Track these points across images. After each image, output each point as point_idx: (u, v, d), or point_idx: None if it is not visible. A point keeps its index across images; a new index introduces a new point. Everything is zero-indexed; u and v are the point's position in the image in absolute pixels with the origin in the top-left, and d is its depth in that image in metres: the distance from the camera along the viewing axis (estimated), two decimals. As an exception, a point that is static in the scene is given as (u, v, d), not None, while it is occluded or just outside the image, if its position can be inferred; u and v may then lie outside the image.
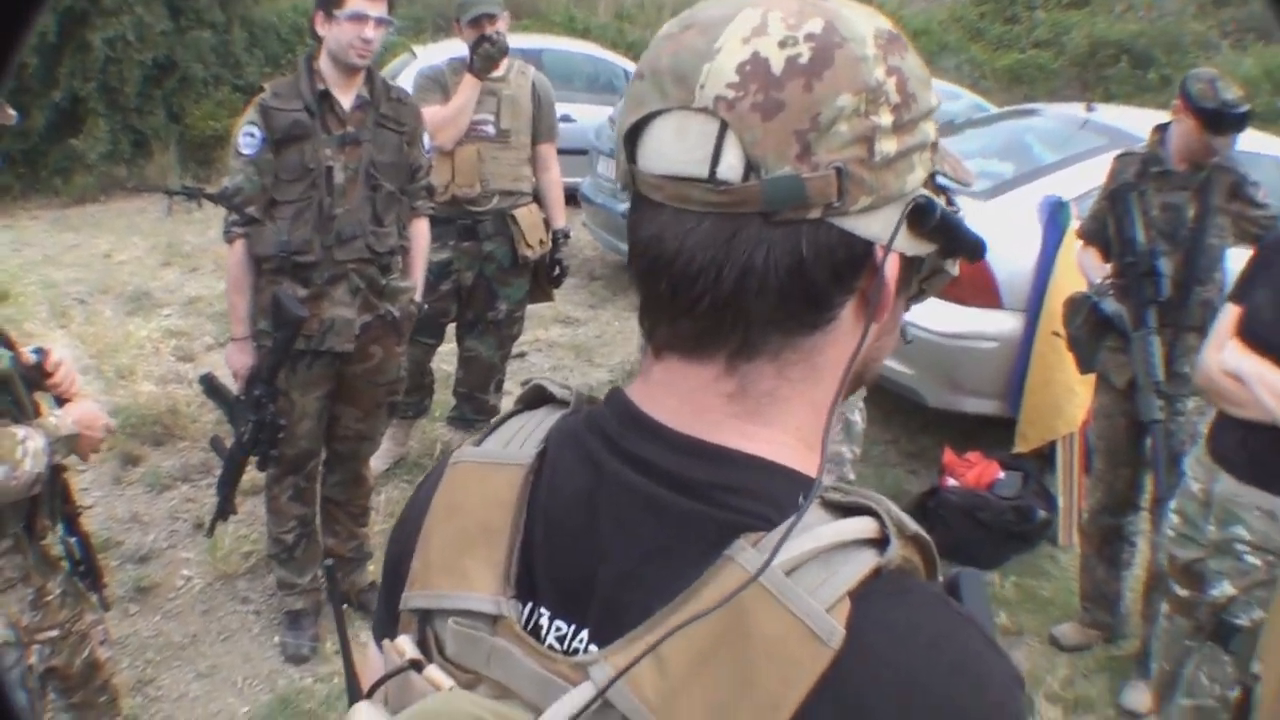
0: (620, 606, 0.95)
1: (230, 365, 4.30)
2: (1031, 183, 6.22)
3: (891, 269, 0.97)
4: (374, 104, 4.20)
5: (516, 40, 13.38)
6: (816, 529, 0.90)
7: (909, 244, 0.97)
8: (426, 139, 4.50)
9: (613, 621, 0.94)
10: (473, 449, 1.13)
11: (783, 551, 0.87)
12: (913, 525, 0.93)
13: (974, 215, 5.83)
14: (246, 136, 4.05)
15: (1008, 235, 5.79)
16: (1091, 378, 4.84)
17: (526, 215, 5.62)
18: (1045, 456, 5.77)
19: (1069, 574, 5.28)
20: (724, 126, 0.90)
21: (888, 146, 0.93)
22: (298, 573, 4.65)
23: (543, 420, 1.12)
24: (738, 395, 0.98)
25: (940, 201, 0.98)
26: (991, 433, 6.00)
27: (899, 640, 0.89)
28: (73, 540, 3.31)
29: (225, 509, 4.23)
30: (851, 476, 4.27)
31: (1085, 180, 5.80)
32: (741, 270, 0.93)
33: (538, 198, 5.77)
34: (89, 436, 3.09)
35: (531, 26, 17.77)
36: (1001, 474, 5.60)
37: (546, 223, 5.79)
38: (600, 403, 1.09)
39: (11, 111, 2.91)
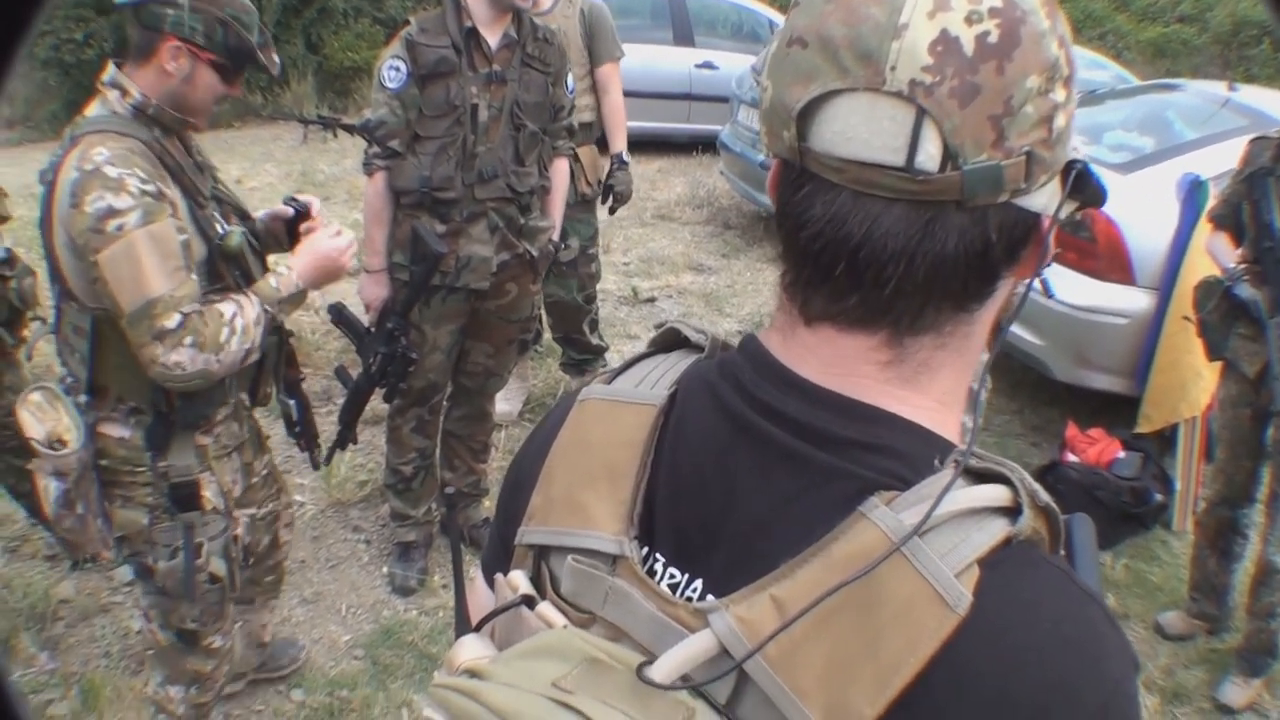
0: (746, 556, 0.95)
1: (363, 296, 4.30)
2: (1171, 159, 6.07)
3: (1049, 233, 0.98)
4: (520, 43, 4.19)
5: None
6: (952, 493, 0.89)
7: (1064, 207, 0.98)
8: (571, 79, 4.48)
9: (736, 571, 0.94)
10: (602, 387, 1.13)
11: (916, 512, 0.88)
12: (1044, 496, 0.92)
13: (1113, 189, 5.75)
14: (391, 70, 4.04)
15: (1145, 211, 5.71)
16: (1218, 364, 4.77)
17: (586, 154, 5.51)
18: (1167, 439, 5.67)
19: (1180, 561, 5.21)
20: (921, 113, 0.88)
21: (1061, 121, 0.93)
22: (413, 504, 4.69)
23: (676, 364, 1.12)
24: (893, 363, 0.98)
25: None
26: (1115, 411, 5.91)
27: (1022, 612, 0.89)
28: (291, 402, 3.43)
29: (346, 437, 4.23)
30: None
31: (1224, 160, 5.67)
32: (936, 258, 0.92)
33: (602, 141, 5.70)
34: (329, 268, 3.12)
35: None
36: (1122, 453, 5.50)
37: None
38: (735, 350, 1.08)
39: (275, 58, 3.02)
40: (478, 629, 1.06)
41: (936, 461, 0.92)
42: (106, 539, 2.97)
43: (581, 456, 1.07)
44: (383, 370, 4.15)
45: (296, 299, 3.06)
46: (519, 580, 1.05)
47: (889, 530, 0.87)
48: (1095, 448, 5.52)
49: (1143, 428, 5.68)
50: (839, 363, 0.98)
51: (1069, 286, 5.66)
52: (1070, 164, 0.97)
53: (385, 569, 4.73)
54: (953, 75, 0.87)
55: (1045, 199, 0.96)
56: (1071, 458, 5.53)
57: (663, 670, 0.89)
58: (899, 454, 0.94)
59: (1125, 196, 5.73)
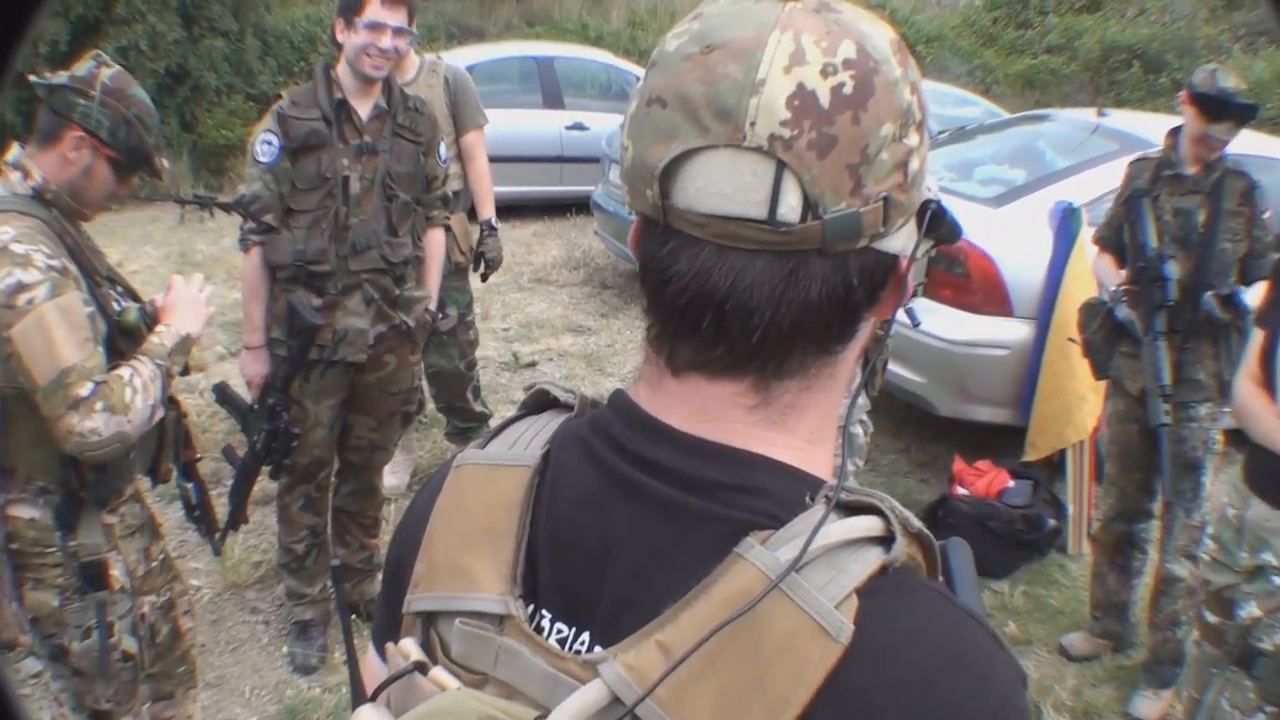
0: (629, 606, 0.95)
1: (244, 374, 4.28)
2: (1043, 189, 6.21)
3: (908, 272, 1.01)
4: (391, 113, 4.19)
5: (529, 48, 13.49)
6: (825, 527, 0.90)
7: (920, 246, 1.01)
8: (443, 148, 4.49)
9: (620, 621, 0.95)
10: (476, 452, 1.13)
11: (791, 548, 0.89)
12: (916, 523, 0.94)
13: (985, 222, 5.83)
14: (264, 145, 4.05)
15: (1018, 242, 5.82)
16: (1102, 385, 4.83)
17: (457, 223, 5.49)
18: (1055, 465, 5.76)
19: (1078, 583, 5.28)
20: (781, 166, 0.89)
21: (915, 165, 0.96)
22: (308, 582, 4.64)
23: (546, 424, 1.12)
24: (760, 406, 0.99)
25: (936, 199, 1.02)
26: (1002, 441, 5.99)
27: (905, 638, 0.90)
28: (189, 486, 3.42)
29: (237, 518, 4.19)
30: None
31: (1097, 186, 5.79)
32: (801, 305, 0.94)
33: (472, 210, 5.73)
34: (195, 311, 3.16)
35: (544, 34, 17.78)
36: (1011, 482, 5.59)
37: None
38: (604, 406, 1.09)
39: (165, 163, 3.09)
40: (373, 698, 1.06)
41: (808, 498, 0.94)
42: (23, 623, 2.96)
43: (461, 521, 1.07)
44: (268, 447, 4.12)
45: (183, 346, 3.09)
46: (409, 647, 1.05)
47: (766, 568, 0.89)
48: (984, 479, 5.58)
49: (1030, 456, 5.75)
50: (707, 409, 1.00)
51: (946, 322, 5.75)
52: (925, 204, 1.00)
53: (285, 648, 4.67)
54: (810, 128, 0.89)
55: (902, 240, 0.99)
56: (961, 491, 5.59)
57: None
58: (770, 494, 0.95)
59: (998, 229, 5.83)
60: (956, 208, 5.87)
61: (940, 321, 5.72)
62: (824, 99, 0.89)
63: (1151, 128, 6.12)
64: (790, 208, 0.90)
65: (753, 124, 0.89)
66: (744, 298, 0.93)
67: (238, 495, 4.17)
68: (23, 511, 2.92)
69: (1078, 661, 4.81)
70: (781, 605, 0.87)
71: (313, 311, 3.98)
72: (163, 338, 3.04)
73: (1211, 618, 3.51)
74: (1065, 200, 5.86)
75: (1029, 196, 6.17)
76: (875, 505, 0.93)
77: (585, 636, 0.99)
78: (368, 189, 4.13)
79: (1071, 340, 4.87)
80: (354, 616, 4.48)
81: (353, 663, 1.23)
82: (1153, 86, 17.71)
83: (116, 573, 3.05)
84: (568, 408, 1.14)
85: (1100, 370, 4.63)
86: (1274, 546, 3.24)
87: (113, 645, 3.06)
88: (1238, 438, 3.49)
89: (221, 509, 4.19)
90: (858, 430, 4.19)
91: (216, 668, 4.56)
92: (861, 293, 0.97)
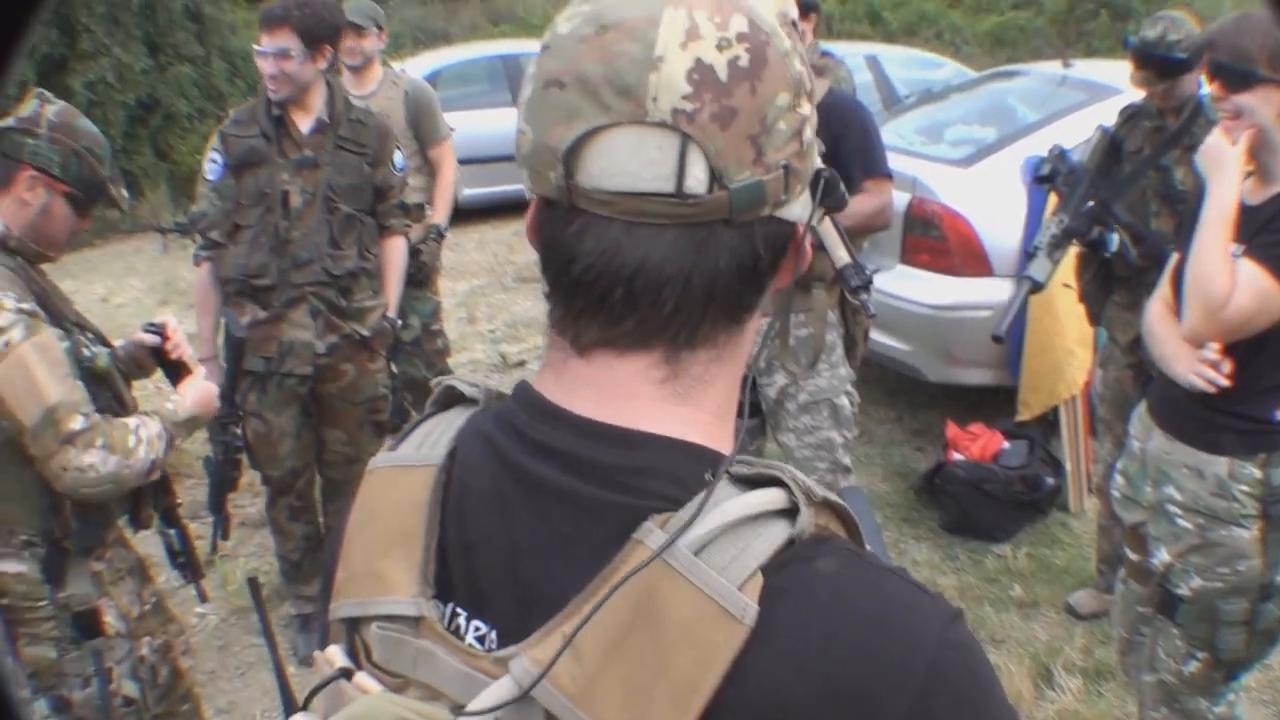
0: (535, 599, 0.96)
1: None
2: (1012, 144, 6.16)
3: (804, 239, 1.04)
4: (334, 126, 4.22)
5: (495, 47, 13.43)
6: (724, 504, 0.91)
7: (815, 214, 1.03)
8: (399, 157, 4.50)
9: (528, 615, 0.95)
10: (386, 455, 1.13)
11: (690, 530, 0.89)
12: (821, 491, 0.94)
13: (957, 183, 5.81)
14: (210, 163, 4.19)
15: (993, 200, 5.77)
16: (1089, 338, 4.81)
17: (418, 233, 5.52)
18: (1050, 423, 5.71)
19: (1082, 541, 5.24)
20: (685, 139, 0.91)
21: (809, 133, 0.99)
22: (304, 582, 4.71)
23: (454, 420, 1.12)
24: (670, 379, 1.00)
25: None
26: (996, 403, 5.95)
27: (819, 606, 0.90)
28: (172, 532, 3.42)
29: (220, 525, 4.22)
30: (846, 461, 4.24)
31: (1066, 137, 5.75)
32: (710, 275, 0.95)
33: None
34: (208, 402, 3.24)
35: (510, 32, 17.75)
36: (1006, 444, 5.53)
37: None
38: (509, 397, 1.09)
39: (124, 192, 3.13)
40: (305, 706, 1.06)
41: (708, 476, 0.94)
42: (20, 679, 2.94)
43: (373, 526, 1.08)
44: (224, 460, 4.16)
45: (190, 425, 3.15)
46: (335, 654, 1.06)
47: (659, 548, 0.89)
48: (978, 443, 5.53)
49: (1023, 415, 5.71)
50: (615, 387, 1.00)
51: (927, 287, 5.73)
52: (818, 172, 1.03)
53: (292, 668, 4.60)
54: (711, 101, 0.91)
55: (799, 208, 1.01)
56: (957, 456, 5.53)
57: None
58: (670, 475, 0.95)
59: (970, 189, 5.79)
60: (927, 171, 5.90)
61: (921, 287, 5.71)
62: (721, 72, 0.91)
63: (1118, 75, 6.06)
64: (697, 180, 0.92)
65: (654, 99, 0.91)
66: (654, 273, 0.94)
67: (214, 507, 4.21)
68: (8, 566, 2.90)
69: (1086, 620, 4.75)
70: (681, 589, 0.87)
71: (239, 325, 4.01)
72: (177, 406, 3.10)
73: (1133, 555, 3.47)
74: (1037, 155, 5.82)
75: (999, 154, 6.11)
76: (777, 477, 0.93)
77: (495, 634, 0.99)
78: (309, 202, 4.17)
79: (1067, 285, 4.84)
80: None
81: (279, 672, 1.28)
82: (1121, 34, 17.53)
83: (110, 619, 3.05)
84: (474, 402, 1.14)
85: (1096, 318, 4.65)
86: (1175, 480, 3.13)
87: (113, 692, 3.05)
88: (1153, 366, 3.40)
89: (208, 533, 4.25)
90: (844, 402, 4.18)
91: (227, 693, 4.56)
92: (767, 261, 0.99)
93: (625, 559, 0.90)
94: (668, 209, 0.92)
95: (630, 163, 0.92)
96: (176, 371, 3.30)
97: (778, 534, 0.91)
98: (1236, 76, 2.91)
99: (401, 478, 1.08)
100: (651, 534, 0.90)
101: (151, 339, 3.28)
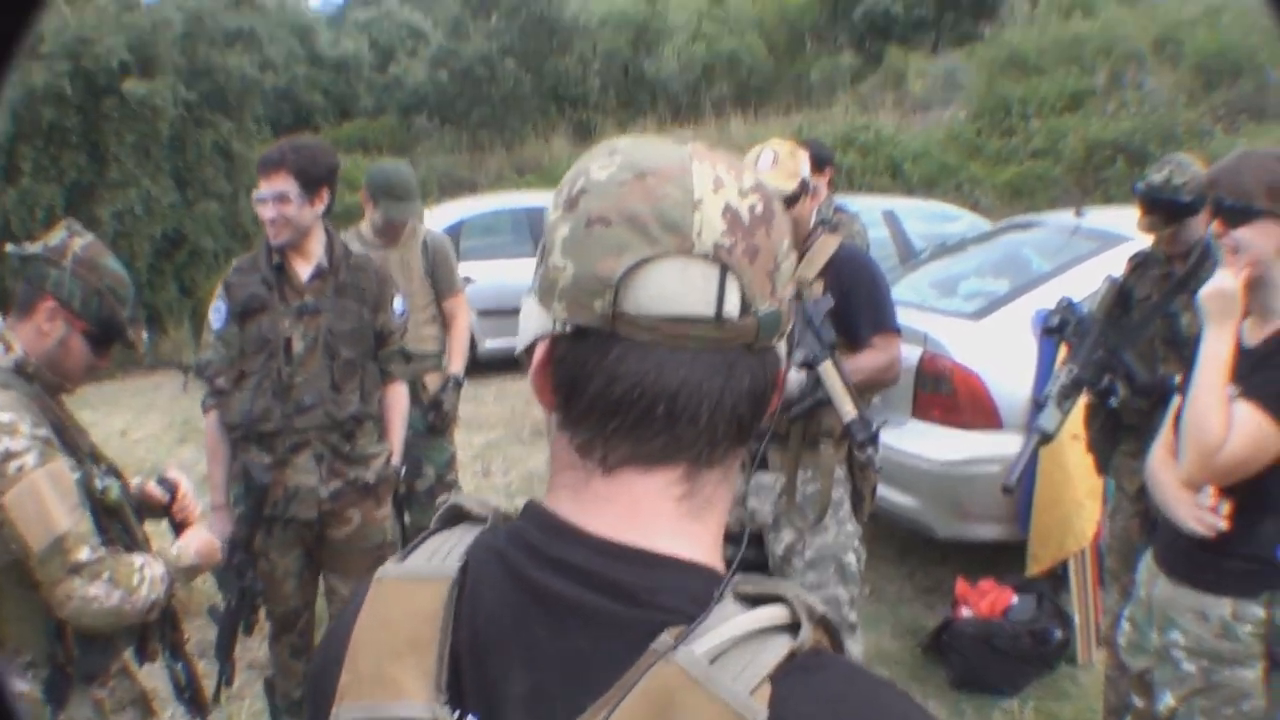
0: (549, 709, 1.00)
1: (212, 533, 4.28)
2: (1023, 296, 6.17)
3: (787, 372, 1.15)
4: (333, 272, 4.26)
5: (519, 199, 13.54)
6: (733, 619, 0.98)
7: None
8: (399, 302, 4.54)
9: None
10: (396, 566, 1.16)
11: (704, 642, 0.96)
12: (820, 608, 1.02)
13: (967, 336, 5.82)
14: (215, 312, 4.25)
15: (1003, 353, 5.77)
16: (1098, 489, 4.77)
17: (434, 381, 5.62)
18: (1059, 576, 5.64)
19: (1090, 694, 5.13)
20: (725, 270, 1.02)
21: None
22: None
23: (462, 537, 1.16)
24: (687, 497, 1.08)
25: None
26: (1009, 557, 5.88)
27: (823, 710, 0.96)
28: (179, 667, 3.41)
29: (224, 672, 4.21)
30: (853, 618, 4.18)
31: (1077, 287, 5.76)
32: (737, 394, 1.05)
33: None
34: (211, 554, 3.28)
35: (534, 183, 17.96)
36: (1015, 598, 5.47)
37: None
38: (519, 517, 1.14)
39: (144, 335, 3.18)
40: None
41: (717, 594, 1.00)
42: None
43: (384, 632, 1.11)
44: (240, 604, 4.17)
45: (191, 572, 3.19)
46: None
47: (683, 663, 0.95)
48: (987, 599, 5.47)
49: (1033, 569, 5.64)
50: (636, 505, 1.07)
51: (937, 443, 5.71)
52: None
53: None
54: (741, 238, 1.03)
55: (783, 344, 1.12)
56: (966, 613, 5.46)
57: None
58: (681, 592, 1.01)
59: (980, 342, 5.80)
60: (939, 325, 5.91)
61: (931, 442, 5.70)
62: (744, 216, 1.04)
63: (1128, 223, 6.09)
64: (733, 306, 1.02)
65: (699, 234, 1.01)
66: (695, 391, 1.03)
67: (221, 653, 4.20)
68: (12, 685, 2.88)
69: (1094, 775, 4.64)
70: (699, 696, 0.93)
71: (262, 471, 4.07)
72: (181, 552, 3.13)
73: (1139, 702, 3.44)
74: (1046, 308, 5.83)
75: (1010, 305, 6.13)
76: (780, 595, 1.01)
77: None
78: (311, 348, 4.20)
79: (1076, 437, 4.82)
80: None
81: None
82: (1138, 179, 17.57)
83: None
84: (481, 520, 1.18)
85: (1104, 467, 4.64)
86: (1179, 625, 3.11)
87: None
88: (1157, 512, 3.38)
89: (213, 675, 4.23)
90: (850, 559, 4.15)
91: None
92: (770, 387, 1.09)
93: (643, 670, 0.96)
94: (705, 332, 1.02)
95: (675, 289, 1.01)
96: (176, 525, 3.30)
97: (781, 647, 0.97)
98: (1236, 212, 2.96)
99: (414, 588, 1.12)
100: (668, 647, 0.96)
101: (162, 496, 3.29)
